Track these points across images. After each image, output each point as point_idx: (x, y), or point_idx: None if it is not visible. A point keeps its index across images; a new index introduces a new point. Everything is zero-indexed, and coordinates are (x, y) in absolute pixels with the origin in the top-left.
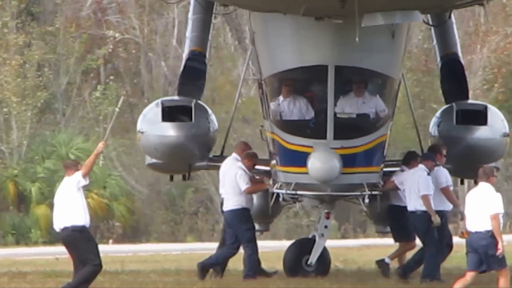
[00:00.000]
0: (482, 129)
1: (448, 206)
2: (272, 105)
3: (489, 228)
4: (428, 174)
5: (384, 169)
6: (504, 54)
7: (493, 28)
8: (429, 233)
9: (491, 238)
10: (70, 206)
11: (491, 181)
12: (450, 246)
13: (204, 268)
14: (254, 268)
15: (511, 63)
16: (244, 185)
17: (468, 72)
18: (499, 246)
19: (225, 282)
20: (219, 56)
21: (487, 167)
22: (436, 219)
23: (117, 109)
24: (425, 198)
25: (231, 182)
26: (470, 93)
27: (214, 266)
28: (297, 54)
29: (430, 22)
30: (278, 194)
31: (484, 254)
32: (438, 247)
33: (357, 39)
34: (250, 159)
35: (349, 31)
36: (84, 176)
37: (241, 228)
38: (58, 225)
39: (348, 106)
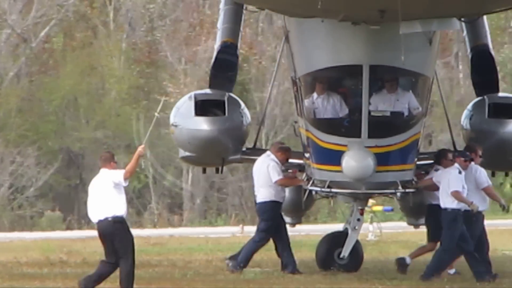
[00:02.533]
0: None
1: (484, 206)
2: (307, 102)
3: None
4: (460, 172)
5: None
6: None
7: None
8: (451, 230)
9: None
10: (109, 199)
11: None
12: (487, 244)
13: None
14: (246, 259)
15: None
16: (276, 176)
17: (192, 64)
18: None
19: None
20: None
21: None
22: (474, 206)
23: (157, 114)
24: (455, 194)
25: (263, 174)
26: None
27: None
28: (332, 54)
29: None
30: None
31: None
32: (454, 248)
33: (402, 58)
34: (284, 152)
35: (384, 32)
36: (125, 179)
37: (261, 218)
38: (95, 217)
39: (382, 104)
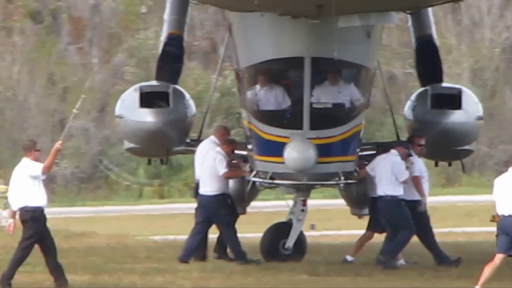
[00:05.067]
0: (457, 113)
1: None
2: (249, 94)
3: None
4: (402, 159)
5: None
6: None
7: None
8: (402, 216)
9: None
10: (28, 189)
11: None
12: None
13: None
14: (239, 251)
15: None
16: (222, 169)
17: None
18: None
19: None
20: None
21: None
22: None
23: (75, 111)
24: (416, 179)
25: (210, 167)
26: None
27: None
28: (274, 46)
29: None
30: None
31: None
32: (413, 228)
33: (335, 53)
34: (230, 145)
35: (324, 25)
36: (43, 173)
37: (220, 213)
38: (15, 204)
39: (324, 96)
